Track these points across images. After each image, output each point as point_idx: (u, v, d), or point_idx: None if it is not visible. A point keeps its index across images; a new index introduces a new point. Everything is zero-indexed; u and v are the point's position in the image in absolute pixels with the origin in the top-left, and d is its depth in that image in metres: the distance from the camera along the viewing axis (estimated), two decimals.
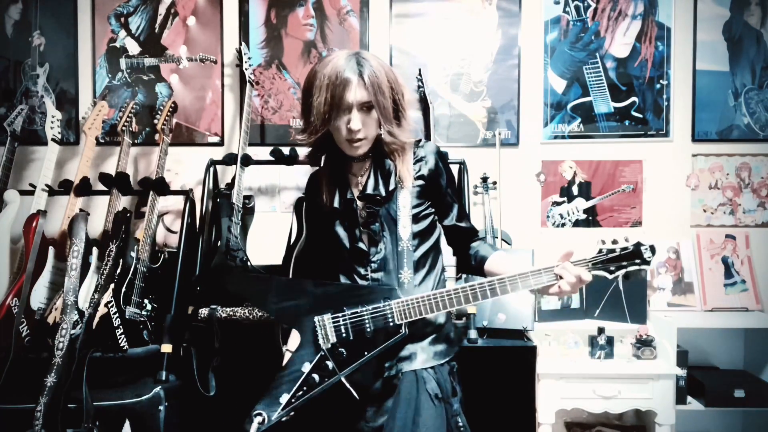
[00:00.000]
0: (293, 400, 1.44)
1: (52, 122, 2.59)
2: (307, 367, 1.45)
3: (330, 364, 1.44)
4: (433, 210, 1.55)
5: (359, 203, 1.52)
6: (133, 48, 2.81)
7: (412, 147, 1.54)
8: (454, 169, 2.50)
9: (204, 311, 2.24)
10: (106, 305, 2.15)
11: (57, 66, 2.80)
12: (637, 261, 1.36)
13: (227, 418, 2.33)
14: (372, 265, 1.50)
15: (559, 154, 2.80)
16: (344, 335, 1.44)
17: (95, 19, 2.80)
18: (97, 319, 2.14)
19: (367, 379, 1.45)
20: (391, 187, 1.49)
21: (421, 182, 1.51)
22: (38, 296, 2.29)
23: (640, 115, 2.79)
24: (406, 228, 1.49)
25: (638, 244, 1.36)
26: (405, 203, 1.50)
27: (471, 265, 1.58)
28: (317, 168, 1.63)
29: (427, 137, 2.60)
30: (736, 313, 2.65)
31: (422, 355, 1.48)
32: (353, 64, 1.39)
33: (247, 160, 2.52)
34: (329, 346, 1.45)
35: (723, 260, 2.75)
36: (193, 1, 2.80)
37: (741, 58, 2.77)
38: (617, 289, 2.60)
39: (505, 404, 2.22)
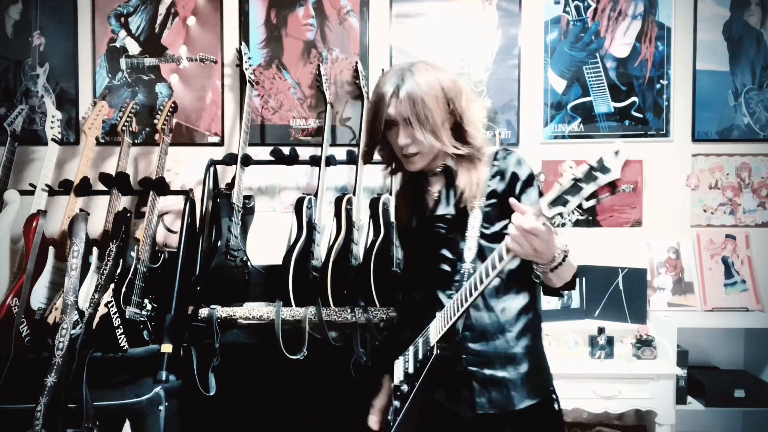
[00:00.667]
0: None
1: (52, 122, 2.59)
2: (391, 410, 1.48)
3: (398, 403, 1.44)
4: None
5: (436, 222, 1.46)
6: (133, 48, 2.81)
7: (486, 160, 1.42)
8: None
9: (204, 311, 2.24)
10: (106, 305, 2.15)
11: (57, 66, 2.80)
12: (596, 175, 1.06)
13: (227, 418, 2.33)
14: (456, 284, 1.40)
15: (559, 154, 2.80)
16: (406, 371, 1.45)
17: (95, 19, 2.80)
18: (97, 319, 2.14)
19: None
20: (463, 204, 1.40)
21: (493, 200, 1.39)
22: (38, 296, 2.29)
23: (640, 115, 2.79)
24: (471, 250, 1.38)
25: (601, 158, 1.05)
26: (474, 223, 1.39)
27: (546, 288, 1.42)
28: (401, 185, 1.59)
29: None
30: (736, 313, 2.65)
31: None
32: (396, 78, 1.37)
33: (247, 160, 2.52)
34: (396, 384, 1.47)
35: (723, 260, 2.75)
36: (193, 1, 2.80)
37: (741, 58, 2.77)
38: (617, 289, 2.60)
39: None
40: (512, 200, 1.19)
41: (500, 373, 1.38)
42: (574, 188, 1.08)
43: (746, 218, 2.79)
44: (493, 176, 1.41)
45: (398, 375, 1.49)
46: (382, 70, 2.70)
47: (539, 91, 2.81)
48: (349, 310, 2.25)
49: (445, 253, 1.44)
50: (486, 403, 1.37)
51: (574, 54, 2.80)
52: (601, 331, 2.48)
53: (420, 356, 1.41)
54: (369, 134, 1.43)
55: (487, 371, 1.38)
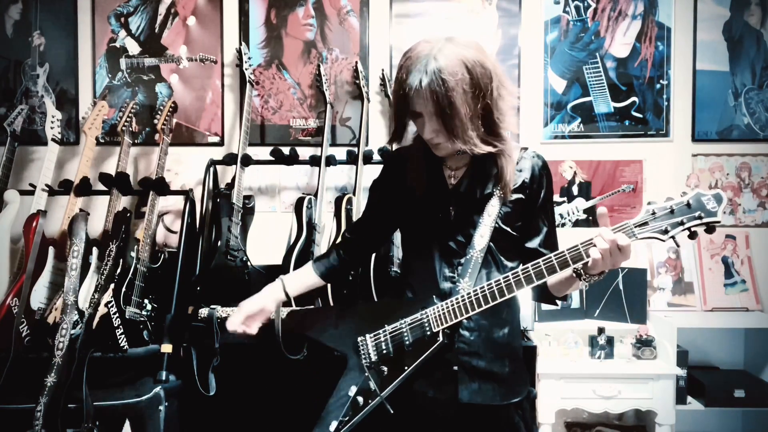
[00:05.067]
0: (341, 427, 1.39)
1: (52, 122, 2.59)
2: (353, 391, 1.42)
3: (372, 384, 1.39)
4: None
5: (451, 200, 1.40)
6: (133, 48, 2.80)
7: (518, 152, 1.40)
8: None
9: (204, 311, 2.24)
10: (106, 305, 2.15)
11: (57, 66, 2.80)
12: (699, 215, 1.14)
13: (227, 418, 2.33)
14: (459, 268, 1.38)
15: (559, 154, 2.80)
16: (384, 351, 1.40)
17: (95, 19, 2.80)
18: (97, 319, 2.14)
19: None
20: (487, 191, 1.38)
21: (519, 196, 1.38)
22: (38, 296, 2.29)
23: (640, 115, 2.79)
24: (483, 237, 1.36)
25: (698, 195, 1.15)
26: (491, 211, 1.36)
27: (543, 293, 1.43)
28: (404, 145, 1.45)
29: None
30: (736, 313, 2.65)
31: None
32: (420, 68, 1.24)
33: (247, 160, 2.52)
34: (369, 364, 1.40)
35: (723, 260, 2.75)
36: (193, 1, 2.80)
37: (741, 58, 2.77)
38: (617, 289, 2.60)
39: None
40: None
41: (490, 366, 1.38)
42: (666, 217, 1.15)
43: (746, 218, 2.79)
44: (521, 172, 1.39)
45: (371, 352, 1.42)
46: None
47: (539, 91, 2.81)
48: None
49: (456, 232, 1.40)
50: (471, 393, 1.37)
51: (574, 54, 2.80)
52: (601, 331, 2.48)
53: (409, 339, 1.37)
54: (396, 122, 1.35)
55: (476, 362, 1.38)
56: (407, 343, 1.37)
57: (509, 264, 1.40)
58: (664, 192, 2.76)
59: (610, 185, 2.79)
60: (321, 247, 2.43)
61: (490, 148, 1.30)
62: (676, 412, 2.37)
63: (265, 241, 2.58)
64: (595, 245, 1.20)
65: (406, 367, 1.36)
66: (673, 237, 1.16)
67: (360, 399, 1.40)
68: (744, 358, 2.72)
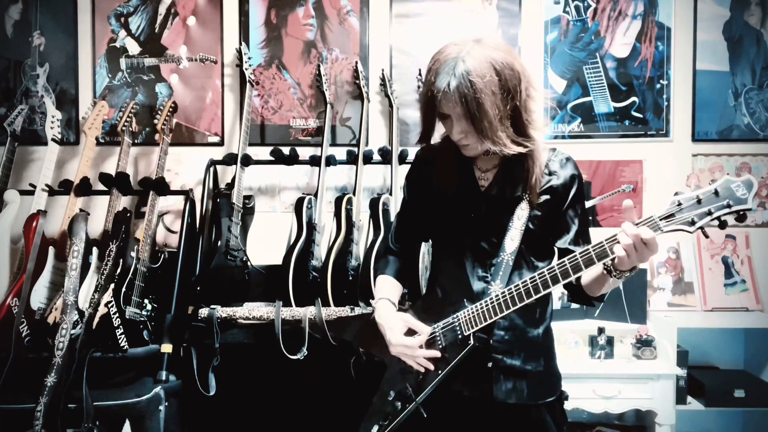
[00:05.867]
0: (381, 431, 1.40)
1: (52, 122, 2.59)
2: (392, 395, 1.43)
3: (409, 389, 1.40)
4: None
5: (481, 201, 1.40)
6: (133, 48, 2.80)
7: (546, 154, 1.39)
8: None
9: (204, 311, 2.24)
10: (106, 305, 2.15)
11: (57, 66, 2.80)
12: (728, 203, 1.08)
13: (227, 418, 2.33)
14: (492, 269, 1.38)
15: None
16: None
17: (95, 19, 2.80)
18: (97, 319, 2.14)
19: None
20: (517, 193, 1.37)
21: (547, 197, 1.37)
22: (38, 296, 2.29)
23: (640, 115, 2.79)
24: (513, 241, 1.35)
25: (727, 182, 1.09)
26: (521, 215, 1.35)
27: (578, 294, 1.39)
28: (434, 143, 1.42)
29: None
30: (736, 313, 2.65)
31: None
32: (448, 70, 1.24)
33: (247, 160, 2.52)
34: (407, 368, 1.40)
35: (723, 260, 2.75)
36: (193, 1, 2.80)
37: (741, 58, 2.77)
38: (617, 288, 2.60)
39: None
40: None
41: (524, 365, 1.38)
42: (693, 208, 1.08)
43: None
44: (550, 174, 1.38)
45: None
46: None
47: (539, 91, 2.80)
48: (348, 310, 2.25)
49: (488, 232, 1.39)
50: (506, 392, 1.37)
51: (574, 54, 2.80)
52: (601, 331, 2.48)
53: (443, 343, 1.37)
54: (424, 124, 1.34)
55: (510, 361, 1.37)
56: (440, 347, 1.37)
57: (540, 264, 1.39)
58: (664, 192, 2.78)
59: (610, 185, 2.79)
60: (321, 247, 2.44)
61: (520, 149, 1.29)
62: (676, 412, 2.37)
63: (265, 241, 2.58)
64: (618, 241, 1.16)
65: (439, 372, 1.35)
66: (701, 228, 1.10)
67: (398, 404, 1.41)
68: (744, 358, 2.72)
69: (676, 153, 2.79)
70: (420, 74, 2.70)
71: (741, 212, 1.07)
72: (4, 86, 2.81)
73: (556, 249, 1.42)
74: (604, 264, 1.22)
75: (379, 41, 2.80)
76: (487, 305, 1.31)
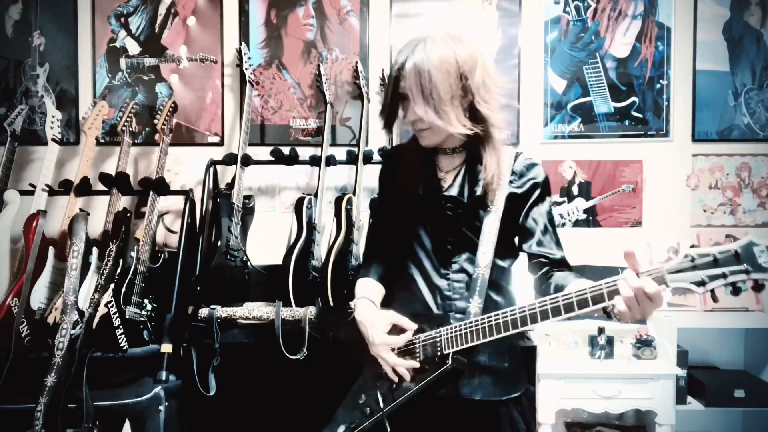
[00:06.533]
0: None
1: (52, 122, 2.59)
2: (362, 399, 1.40)
3: (379, 397, 1.36)
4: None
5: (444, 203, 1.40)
6: (133, 48, 2.80)
7: (506, 150, 1.39)
8: None
9: (204, 311, 2.24)
10: (106, 305, 2.15)
11: (57, 66, 2.80)
12: (746, 269, 0.96)
13: (227, 419, 2.33)
14: (454, 266, 1.39)
15: (559, 154, 2.80)
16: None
17: (95, 19, 2.80)
18: (97, 319, 2.14)
19: None
20: (477, 194, 1.36)
21: (510, 199, 1.37)
22: (38, 296, 2.29)
23: (640, 115, 2.79)
24: (486, 255, 1.34)
25: (750, 244, 0.98)
26: (491, 228, 1.35)
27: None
28: (403, 143, 1.49)
29: None
30: (736, 313, 2.65)
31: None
32: (408, 49, 1.32)
33: (247, 160, 2.52)
34: (381, 374, 1.36)
35: None
36: (193, 1, 2.80)
37: (741, 58, 2.77)
38: None
39: None
40: (627, 250, 1.06)
41: (489, 361, 1.38)
42: (707, 266, 0.98)
43: (746, 218, 2.79)
44: (512, 180, 1.38)
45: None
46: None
47: (539, 91, 2.81)
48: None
49: (446, 233, 1.40)
50: (471, 389, 1.37)
51: (574, 54, 2.80)
52: (601, 331, 2.48)
53: (421, 356, 1.35)
54: (385, 108, 1.38)
55: (476, 358, 1.36)
56: (419, 359, 1.34)
57: (502, 264, 1.41)
58: (664, 192, 2.78)
59: (610, 185, 2.79)
60: (321, 247, 2.44)
61: (465, 130, 1.31)
62: (676, 412, 2.37)
63: (265, 241, 2.58)
64: (619, 292, 1.07)
65: (413, 385, 1.32)
66: (712, 291, 0.99)
67: (367, 409, 1.38)
68: (744, 358, 2.72)
69: (676, 153, 2.79)
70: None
71: (760, 282, 0.96)
72: (4, 86, 2.81)
73: (523, 252, 1.42)
74: (597, 308, 1.13)
75: (379, 41, 2.80)
76: (471, 326, 1.28)
